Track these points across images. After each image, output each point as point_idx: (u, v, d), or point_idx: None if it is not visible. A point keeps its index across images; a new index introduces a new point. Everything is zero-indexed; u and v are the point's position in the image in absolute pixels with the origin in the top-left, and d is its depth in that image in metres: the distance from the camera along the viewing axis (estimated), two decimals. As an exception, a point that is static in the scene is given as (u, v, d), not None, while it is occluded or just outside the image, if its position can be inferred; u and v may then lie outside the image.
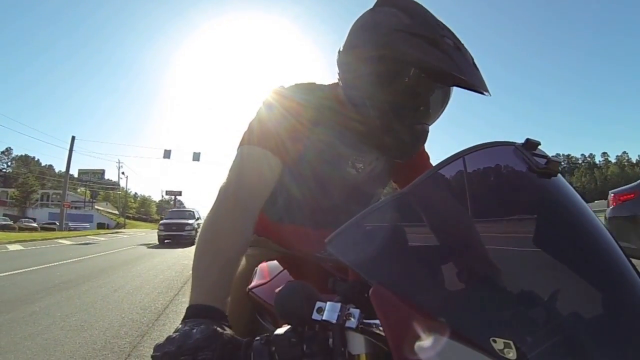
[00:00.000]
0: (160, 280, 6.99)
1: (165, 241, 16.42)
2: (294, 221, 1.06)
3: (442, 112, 0.92)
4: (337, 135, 0.96)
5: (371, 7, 0.91)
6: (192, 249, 0.83)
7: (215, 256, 0.73)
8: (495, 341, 0.44)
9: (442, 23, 0.86)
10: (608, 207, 5.25)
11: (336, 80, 0.99)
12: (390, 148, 0.92)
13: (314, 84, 1.01)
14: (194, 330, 0.55)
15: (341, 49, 0.94)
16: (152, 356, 0.54)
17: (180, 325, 0.59)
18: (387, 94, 0.85)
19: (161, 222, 18.41)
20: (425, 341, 0.47)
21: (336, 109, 0.95)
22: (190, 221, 17.37)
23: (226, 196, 0.80)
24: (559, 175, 0.61)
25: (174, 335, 0.55)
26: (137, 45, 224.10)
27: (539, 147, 0.62)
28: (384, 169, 1.06)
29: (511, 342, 0.44)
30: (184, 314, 0.65)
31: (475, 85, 0.79)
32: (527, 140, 0.60)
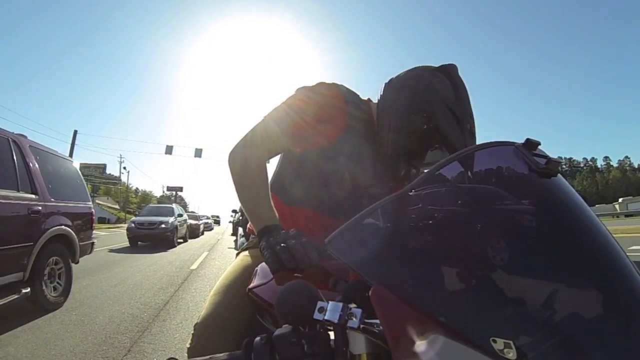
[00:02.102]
0: (161, 275, 7.01)
1: (139, 243, 13.36)
2: (307, 206, 1.15)
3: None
4: (359, 140, 1.10)
5: (436, 67, 1.06)
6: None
7: (257, 201, 1.01)
8: (495, 341, 0.44)
9: (471, 109, 1.03)
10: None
11: (369, 97, 1.17)
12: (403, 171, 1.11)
13: (359, 96, 1.17)
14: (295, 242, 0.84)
15: (393, 80, 1.09)
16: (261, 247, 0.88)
17: (273, 238, 0.88)
18: (404, 136, 1.02)
19: (131, 219, 15.22)
20: (425, 341, 0.47)
21: (365, 119, 1.11)
22: (168, 219, 13.84)
23: (251, 154, 1.05)
24: (559, 175, 0.61)
25: (294, 242, 0.84)
26: (142, 41, 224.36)
27: (539, 147, 0.62)
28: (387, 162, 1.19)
29: (511, 342, 0.44)
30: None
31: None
32: (527, 140, 0.60)
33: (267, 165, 1.11)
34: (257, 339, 0.55)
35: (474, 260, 0.55)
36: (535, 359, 0.44)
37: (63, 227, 4.47)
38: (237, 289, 1.00)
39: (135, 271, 7.44)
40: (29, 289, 3.84)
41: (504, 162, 0.62)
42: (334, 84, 1.11)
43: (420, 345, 0.47)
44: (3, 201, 3.55)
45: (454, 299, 0.53)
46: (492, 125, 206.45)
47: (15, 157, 3.94)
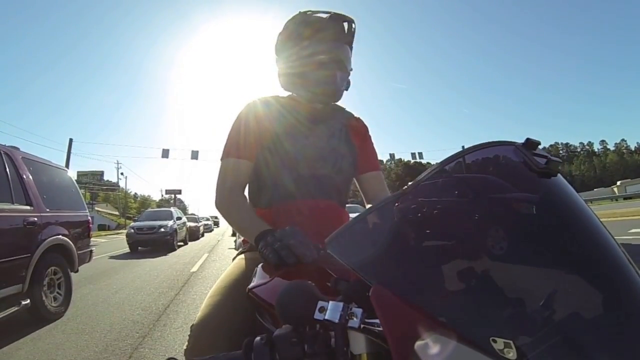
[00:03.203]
0: (162, 279, 7.02)
1: (139, 248, 13.44)
2: (283, 199, 1.20)
3: (342, 60, 1.21)
4: (299, 122, 1.24)
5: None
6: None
7: (244, 219, 1.12)
8: (495, 341, 0.44)
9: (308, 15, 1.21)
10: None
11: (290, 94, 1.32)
12: (322, 95, 1.23)
13: (276, 95, 1.31)
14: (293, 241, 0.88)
15: (278, 71, 1.30)
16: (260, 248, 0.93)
17: (270, 237, 0.92)
18: (304, 66, 1.20)
19: (130, 225, 15.18)
20: (425, 341, 0.47)
21: (293, 107, 1.27)
22: (167, 222, 13.83)
23: (223, 194, 1.18)
24: (559, 175, 0.61)
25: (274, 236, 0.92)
26: (135, 44, 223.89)
27: (539, 146, 0.61)
28: (342, 137, 1.30)
29: (511, 342, 0.44)
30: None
31: (338, 18, 1.20)
32: (527, 140, 0.61)
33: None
34: (257, 338, 0.55)
35: (473, 260, 0.55)
36: (535, 359, 0.43)
37: (60, 236, 4.48)
38: (233, 291, 1.02)
39: (136, 277, 7.46)
40: (28, 301, 3.85)
41: (504, 161, 0.62)
42: (248, 103, 1.26)
43: (420, 345, 0.47)
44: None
45: (454, 298, 0.53)
46: (487, 112, 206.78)
47: (8, 170, 3.92)
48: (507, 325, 0.48)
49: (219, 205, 1.17)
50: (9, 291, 3.62)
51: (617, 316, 0.50)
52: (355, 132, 1.36)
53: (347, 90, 1.28)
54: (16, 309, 3.68)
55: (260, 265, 0.96)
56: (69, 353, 3.31)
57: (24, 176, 4.16)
